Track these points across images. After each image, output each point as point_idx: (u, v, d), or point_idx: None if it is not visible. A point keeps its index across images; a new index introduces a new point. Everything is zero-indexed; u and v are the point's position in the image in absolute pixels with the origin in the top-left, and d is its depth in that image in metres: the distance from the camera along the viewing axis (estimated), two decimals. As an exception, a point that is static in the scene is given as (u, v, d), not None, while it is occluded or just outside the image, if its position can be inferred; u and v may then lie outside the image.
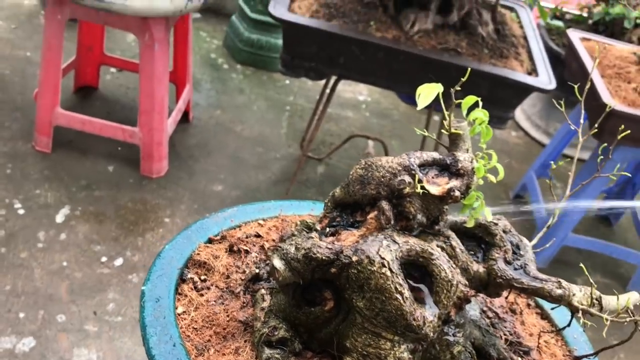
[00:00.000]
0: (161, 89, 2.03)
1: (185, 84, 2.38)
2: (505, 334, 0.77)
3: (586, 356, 0.78)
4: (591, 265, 2.40)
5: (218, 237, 0.83)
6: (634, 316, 0.71)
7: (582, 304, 0.66)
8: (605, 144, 0.91)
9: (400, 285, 0.62)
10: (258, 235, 0.84)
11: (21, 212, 1.95)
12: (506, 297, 0.81)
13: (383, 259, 0.63)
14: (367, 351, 0.64)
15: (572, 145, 2.70)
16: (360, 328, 0.65)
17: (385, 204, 0.67)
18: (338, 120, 2.83)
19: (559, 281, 0.68)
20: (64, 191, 2.05)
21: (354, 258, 0.64)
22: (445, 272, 0.65)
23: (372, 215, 0.68)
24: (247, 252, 0.81)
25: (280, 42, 2.84)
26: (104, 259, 1.88)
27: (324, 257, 0.64)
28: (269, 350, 0.67)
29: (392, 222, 0.67)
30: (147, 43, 1.92)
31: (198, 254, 0.79)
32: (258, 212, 0.88)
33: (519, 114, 3.12)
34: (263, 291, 0.72)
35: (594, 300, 0.67)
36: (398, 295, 0.62)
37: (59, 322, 1.67)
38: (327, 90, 2.09)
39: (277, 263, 0.65)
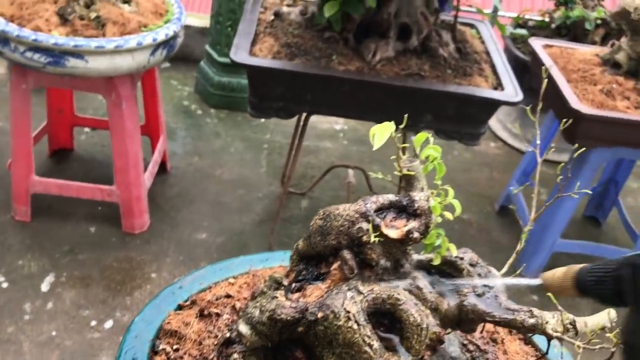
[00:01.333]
0: (134, 145, 2.02)
1: (159, 135, 2.38)
2: (488, 368, 0.76)
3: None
4: (585, 268, 2.39)
5: (188, 303, 0.81)
6: (611, 332, 0.70)
7: (556, 331, 0.65)
8: (579, 148, 0.92)
9: (369, 337, 0.61)
10: (228, 296, 0.83)
11: (5, 285, 1.92)
12: (481, 331, 0.79)
13: (348, 312, 0.62)
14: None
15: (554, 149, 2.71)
16: (334, 379, 0.63)
17: (346, 254, 0.66)
18: (317, 152, 2.84)
19: (530, 310, 0.67)
20: (47, 259, 2.03)
21: (319, 314, 0.63)
22: (414, 317, 0.64)
23: (335, 266, 0.67)
24: (217, 315, 0.80)
25: (250, 82, 2.85)
26: (93, 323, 1.85)
27: (289, 318, 0.63)
28: (246, 417, 0.66)
29: (356, 270, 0.66)
30: (114, 102, 1.92)
31: (168, 322, 0.78)
32: (227, 271, 0.87)
33: (495, 124, 3.13)
34: (235, 355, 0.71)
35: (568, 326, 0.66)
36: (367, 348, 0.61)
37: (53, 395, 1.64)
38: (301, 125, 2.10)
39: (243, 328, 0.64)
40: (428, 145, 0.70)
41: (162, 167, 2.48)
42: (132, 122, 1.98)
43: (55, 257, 2.04)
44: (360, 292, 0.64)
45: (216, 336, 0.77)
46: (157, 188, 2.40)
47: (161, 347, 0.75)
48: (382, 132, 0.72)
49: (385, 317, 0.66)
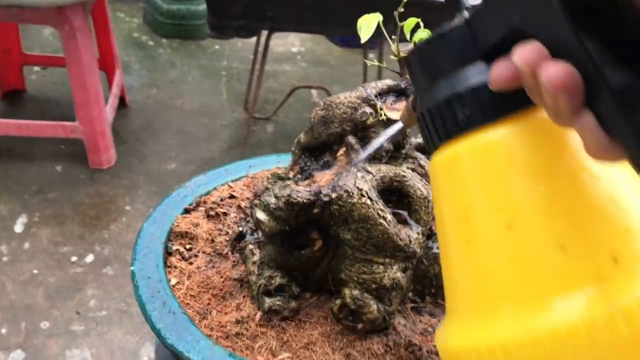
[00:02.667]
0: (93, 78, 1.97)
1: (114, 68, 2.32)
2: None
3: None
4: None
5: (193, 206, 0.83)
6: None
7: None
8: None
9: (382, 210, 0.65)
10: (232, 197, 0.85)
11: (-23, 230, 1.89)
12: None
13: (361, 189, 0.65)
14: (363, 278, 0.67)
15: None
16: (352, 259, 0.67)
17: (351, 139, 0.69)
18: (276, 76, 2.82)
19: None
20: (17, 200, 2.00)
21: (333, 195, 0.66)
22: (420, 190, 0.68)
23: (341, 152, 0.70)
24: (225, 214, 0.82)
25: (200, 8, 2.78)
26: (74, 258, 1.86)
27: (304, 200, 0.65)
28: (269, 300, 0.69)
29: (361, 154, 0.69)
30: (68, 34, 1.85)
31: (177, 225, 0.80)
32: (226, 175, 0.89)
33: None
34: (251, 246, 0.74)
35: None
36: (382, 220, 0.64)
37: (44, 330, 1.66)
38: (261, 48, 2.08)
39: (261, 215, 0.66)
40: (420, 30, 0.72)
41: (122, 102, 2.43)
42: (88, 54, 1.93)
43: (24, 198, 2.01)
44: (369, 172, 0.67)
45: (227, 233, 0.79)
46: (119, 123, 2.36)
47: (174, 247, 0.77)
48: (369, 22, 0.73)
49: (392, 195, 0.69)
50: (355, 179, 0.66)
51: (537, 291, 0.35)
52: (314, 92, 2.30)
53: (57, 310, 1.71)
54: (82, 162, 2.15)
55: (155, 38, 2.91)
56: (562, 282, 0.34)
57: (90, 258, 1.87)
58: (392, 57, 0.72)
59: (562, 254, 0.34)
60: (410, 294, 0.74)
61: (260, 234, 0.76)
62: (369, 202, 0.65)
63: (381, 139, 0.68)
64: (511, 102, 0.36)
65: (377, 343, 0.69)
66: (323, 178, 0.70)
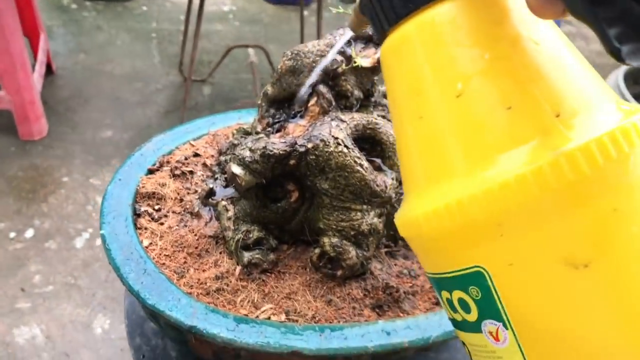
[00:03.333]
0: (17, 43, 1.86)
1: (39, 33, 2.19)
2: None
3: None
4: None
5: (157, 166, 0.81)
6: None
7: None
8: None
9: (359, 157, 0.65)
10: (196, 155, 0.83)
11: None
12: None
13: (337, 138, 0.65)
14: (341, 226, 0.68)
15: None
16: (330, 208, 0.68)
17: (323, 88, 0.69)
18: (209, 36, 2.75)
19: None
20: (-57, 177, 1.89)
21: (310, 145, 0.65)
22: (393, 137, 0.69)
23: (312, 102, 0.70)
24: (191, 172, 0.80)
25: (126, -33, 2.65)
26: (12, 234, 1.78)
27: (280, 152, 0.65)
28: (248, 253, 0.69)
29: (333, 103, 0.69)
30: (-14, -5, 1.73)
31: (143, 186, 0.78)
32: (187, 134, 0.87)
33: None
34: (224, 202, 0.73)
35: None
36: (359, 168, 0.65)
37: (-12, 309, 1.59)
38: (195, 7, 2.01)
39: (236, 169, 0.65)
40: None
41: (48, 69, 2.31)
42: (10, 17, 1.81)
43: (-49, 174, 1.90)
44: (342, 121, 0.67)
45: (195, 192, 0.78)
46: (47, 91, 2.25)
47: (142, 209, 0.75)
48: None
49: (365, 143, 0.70)
50: (331, 128, 0.66)
51: (487, 150, 0.37)
52: (251, 51, 2.25)
53: (0, 289, 1.64)
54: (12, 133, 2.04)
55: (78, 0, 2.76)
56: (510, 139, 0.36)
57: (30, 233, 1.79)
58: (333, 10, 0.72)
59: (508, 113, 0.36)
60: (384, 239, 0.75)
61: (232, 189, 0.75)
62: (345, 150, 0.65)
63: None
64: None
65: (356, 288, 0.70)
66: (296, 129, 0.69)
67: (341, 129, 0.66)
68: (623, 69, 2.60)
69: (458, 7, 0.38)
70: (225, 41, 2.67)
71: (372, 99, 0.72)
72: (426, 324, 0.67)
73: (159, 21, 2.73)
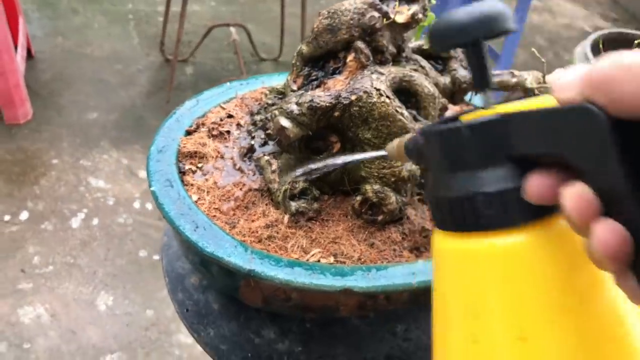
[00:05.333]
0: (0, 27, 1.83)
1: (17, 15, 2.16)
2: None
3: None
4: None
5: (194, 127, 0.84)
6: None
7: (533, 84, 0.78)
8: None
9: (400, 107, 0.70)
10: (230, 116, 0.86)
11: None
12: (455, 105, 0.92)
13: (378, 89, 0.70)
14: (383, 173, 0.72)
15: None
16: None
17: (360, 44, 0.73)
18: (187, 16, 2.74)
19: (511, 72, 0.79)
20: None
21: (353, 97, 0.70)
22: (427, 88, 0.73)
23: (350, 57, 0.74)
24: (228, 132, 0.83)
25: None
26: (6, 217, 1.77)
27: (327, 104, 0.69)
28: (295, 203, 0.73)
29: (371, 58, 0.73)
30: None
31: (184, 146, 0.80)
32: (216, 97, 0.90)
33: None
34: (266, 157, 0.77)
35: (540, 79, 0.79)
36: (400, 117, 0.70)
37: (-10, 291, 1.59)
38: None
39: (285, 122, 0.69)
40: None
41: (27, 53, 2.28)
42: (-6, -2, 1.79)
43: (-62, 160, 1.87)
44: (381, 74, 0.72)
45: (234, 149, 0.81)
46: (28, 75, 2.22)
47: (186, 167, 0.78)
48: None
49: (400, 95, 0.74)
50: (372, 80, 0.70)
51: None
52: (232, 29, 2.26)
53: (0, 271, 1.64)
54: (-3, 118, 2.02)
55: (48, -17, 2.72)
56: None
57: (24, 215, 1.79)
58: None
59: None
60: (415, 187, 0.80)
61: (271, 146, 0.78)
62: (387, 100, 0.69)
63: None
64: (539, 211, 0.35)
65: (395, 232, 0.75)
66: (336, 84, 0.73)
67: (381, 81, 0.71)
68: (590, 39, 2.70)
69: (537, 240, 0.35)
70: (203, 21, 2.67)
71: (404, 54, 0.77)
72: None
73: (134, 2, 2.71)
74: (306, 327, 0.85)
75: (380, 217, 0.74)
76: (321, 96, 0.69)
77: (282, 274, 0.67)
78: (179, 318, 0.86)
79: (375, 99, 0.69)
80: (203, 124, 0.85)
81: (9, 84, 1.90)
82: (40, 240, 1.72)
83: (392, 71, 0.73)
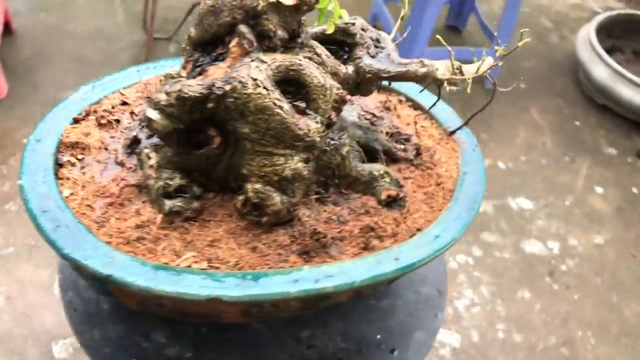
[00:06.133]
0: (-32, 0, 1.79)
1: (-6, -10, 2.12)
2: (384, 129, 0.82)
3: (458, 128, 0.85)
4: (449, 74, 2.55)
5: (82, 115, 0.78)
6: (492, 79, 0.78)
7: (445, 75, 0.71)
8: None
9: (278, 99, 0.63)
10: (124, 103, 0.80)
11: None
12: (378, 91, 0.84)
13: (255, 79, 0.63)
14: (264, 171, 0.66)
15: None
16: (252, 153, 0.66)
17: (243, 27, 0.66)
18: (171, -7, 2.68)
19: (421, 61, 0.72)
20: None
21: (227, 87, 0.63)
22: (317, 79, 0.66)
23: (233, 42, 0.67)
24: (117, 121, 0.78)
25: None
26: (-29, 198, 1.75)
27: (197, 94, 0.63)
28: (169, 202, 0.67)
29: (255, 43, 0.66)
30: None
31: (67, 136, 0.75)
32: (117, 82, 0.84)
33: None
34: (147, 150, 0.71)
35: (455, 70, 0.71)
36: (278, 110, 0.63)
37: (-54, 272, 1.57)
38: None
39: (151, 113, 0.63)
40: None
41: (7, 29, 2.24)
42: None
43: None
44: (263, 62, 0.65)
45: (120, 140, 0.76)
46: (6, 51, 2.19)
47: (65, 159, 0.73)
48: None
49: (289, 86, 0.67)
50: (249, 69, 0.64)
51: None
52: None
53: (-42, 252, 1.62)
54: (-31, 94, 1.99)
55: (37, -43, 2.67)
56: None
57: (-11, 196, 1.76)
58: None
59: None
60: (314, 186, 0.74)
61: (156, 136, 0.72)
62: (264, 91, 0.63)
63: None
64: None
65: (283, 234, 0.69)
66: (216, 72, 0.67)
67: (261, 70, 0.64)
68: (595, 22, 2.57)
69: None
70: (190, -2, 2.61)
71: (299, 40, 0.70)
72: (352, 269, 0.66)
73: (123, -22, 2.66)
74: (201, 331, 0.80)
75: (264, 219, 0.68)
76: (192, 86, 0.63)
77: (141, 280, 0.62)
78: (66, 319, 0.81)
79: (250, 90, 0.63)
80: (95, 112, 0.80)
81: (-21, 60, 1.88)
82: (3, 221, 1.70)
83: (277, 59, 0.66)
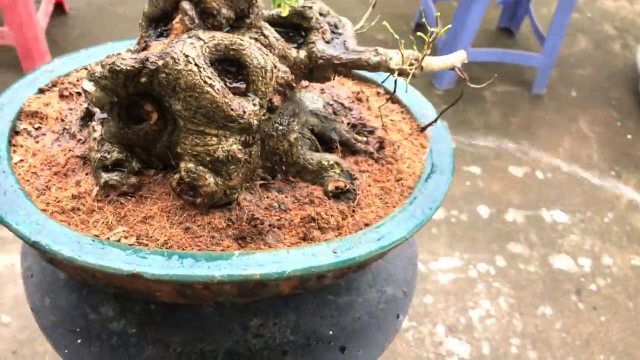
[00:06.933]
0: (16, -21, 1.88)
1: (48, -29, 2.22)
2: (349, 120, 0.79)
3: (429, 125, 0.81)
4: (497, 77, 2.47)
5: (49, 86, 0.80)
6: (462, 74, 0.73)
7: (398, 65, 0.67)
8: None
9: (209, 78, 0.62)
10: (91, 77, 0.81)
11: None
12: (353, 80, 0.81)
13: (187, 56, 0.62)
14: (196, 151, 0.65)
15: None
16: (185, 131, 0.65)
17: (185, 4, 0.65)
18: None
19: (376, 49, 0.69)
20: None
21: (160, 62, 0.62)
22: (257, 60, 0.65)
23: (176, 19, 0.66)
24: (79, 94, 0.79)
25: None
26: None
27: (128, 67, 0.62)
28: (106, 174, 0.67)
29: (197, 21, 0.65)
30: None
31: (29, 105, 0.77)
32: (92, 57, 0.85)
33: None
34: (94, 123, 0.71)
35: (412, 61, 0.68)
36: (209, 88, 0.62)
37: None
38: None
39: (87, 85, 0.63)
40: None
41: (60, 9, 2.34)
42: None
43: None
44: (200, 39, 0.64)
45: (77, 113, 0.77)
46: (58, 30, 2.28)
47: (22, 127, 0.74)
48: None
49: (231, 66, 0.66)
50: (184, 46, 0.63)
51: None
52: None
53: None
54: (17, 71, 2.09)
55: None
56: None
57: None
58: None
59: None
60: (260, 171, 0.72)
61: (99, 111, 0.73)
62: (195, 69, 0.62)
63: None
64: None
65: (219, 217, 0.68)
66: (157, 47, 0.66)
67: (195, 47, 0.63)
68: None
69: None
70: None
71: (248, 21, 0.68)
72: (286, 258, 0.65)
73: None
74: (150, 308, 0.80)
75: (198, 200, 0.67)
76: (125, 59, 0.63)
77: (67, 250, 0.62)
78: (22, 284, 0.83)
79: (181, 66, 0.62)
80: (62, 83, 0.81)
81: (26, 36, 1.96)
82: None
83: (216, 37, 0.65)
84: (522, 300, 1.72)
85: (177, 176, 0.67)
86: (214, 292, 0.70)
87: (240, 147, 0.66)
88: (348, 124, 0.78)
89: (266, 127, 0.71)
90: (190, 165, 0.65)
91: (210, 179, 0.66)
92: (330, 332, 0.81)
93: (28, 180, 0.69)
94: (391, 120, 0.82)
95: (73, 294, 0.80)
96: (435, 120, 0.81)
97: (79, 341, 0.76)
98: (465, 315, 1.68)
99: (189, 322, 0.79)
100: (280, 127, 0.71)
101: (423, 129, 0.82)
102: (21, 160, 0.71)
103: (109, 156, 0.67)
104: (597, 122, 2.34)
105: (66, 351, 0.75)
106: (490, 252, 1.84)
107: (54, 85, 0.80)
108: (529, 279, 1.78)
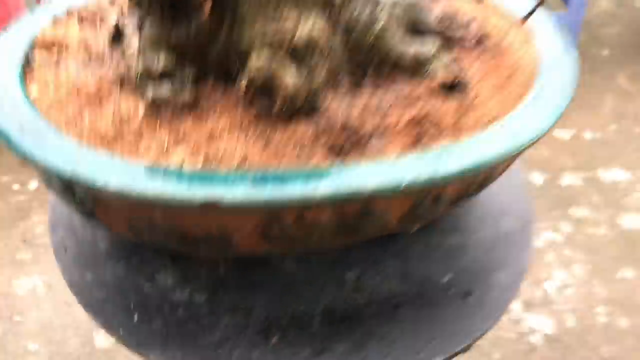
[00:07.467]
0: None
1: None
2: (438, 12, 0.64)
3: (531, 12, 0.67)
4: None
5: (65, 16, 0.65)
6: None
7: None
8: None
9: None
10: (112, 2, 0.67)
11: None
12: None
13: None
14: (268, 41, 0.50)
15: None
16: (251, 18, 0.50)
17: None
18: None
19: None
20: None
21: None
22: None
23: None
24: (102, 19, 0.64)
25: None
26: (15, 186, 1.69)
27: None
28: (154, 87, 0.52)
29: None
30: None
31: (43, 36, 0.62)
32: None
33: None
34: (129, 32, 0.56)
35: None
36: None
37: (-13, 261, 1.50)
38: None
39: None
40: None
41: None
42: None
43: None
44: None
45: (104, 37, 0.62)
46: None
47: (38, 58, 0.60)
48: None
49: None
50: None
51: None
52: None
53: (1, 241, 1.55)
54: None
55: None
56: None
57: (33, 185, 1.70)
58: None
59: None
60: (347, 70, 0.57)
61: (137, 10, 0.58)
62: None
63: None
64: None
65: (305, 127, 0.52)
66: None
67: None
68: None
69: None
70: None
71: None
72: (400, 166, 0.49)
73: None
74: (219, 272, 0.64)
75: (276, 106, 0.52)
76: None
77: (116, 181, 0.47)
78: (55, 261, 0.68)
79: None
80: (82, 11, 0.66)
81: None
82: (45, 210, 1.62)
83: None
84: (598, 265, 1.55)
85: (244, 81, 0.52)
86: (307, 229, 0.54)
87: (324, 24, 0.50)
88: (437, 17, 0.63)
89: (346, 13, 0.56)
90: (262, 62, 0.50)
91: (287, 76, 0.50)
92: (446, 278, 0.65)
93: (54, 113, 0.54)
94: (482, 16, 0.67)
95: (120, 265, 0.64)
96: (535, 8, 0.66)
97: (135, 318, 0.60)
98: (540, 287, 1.51)
99: (270, 283, 0.63)
100: (362, 17, 0.56)
101: (524, 20, 0.67)
102: (42, 94, 0.56)
103: (155, 64, 0.52)
104: (637, 77, 2.20)
105: (121, 332, 0.59)
106: (552, 219, 1.67)
107: (71, 14, 0.66)
108: (601, 242, 1.61)
